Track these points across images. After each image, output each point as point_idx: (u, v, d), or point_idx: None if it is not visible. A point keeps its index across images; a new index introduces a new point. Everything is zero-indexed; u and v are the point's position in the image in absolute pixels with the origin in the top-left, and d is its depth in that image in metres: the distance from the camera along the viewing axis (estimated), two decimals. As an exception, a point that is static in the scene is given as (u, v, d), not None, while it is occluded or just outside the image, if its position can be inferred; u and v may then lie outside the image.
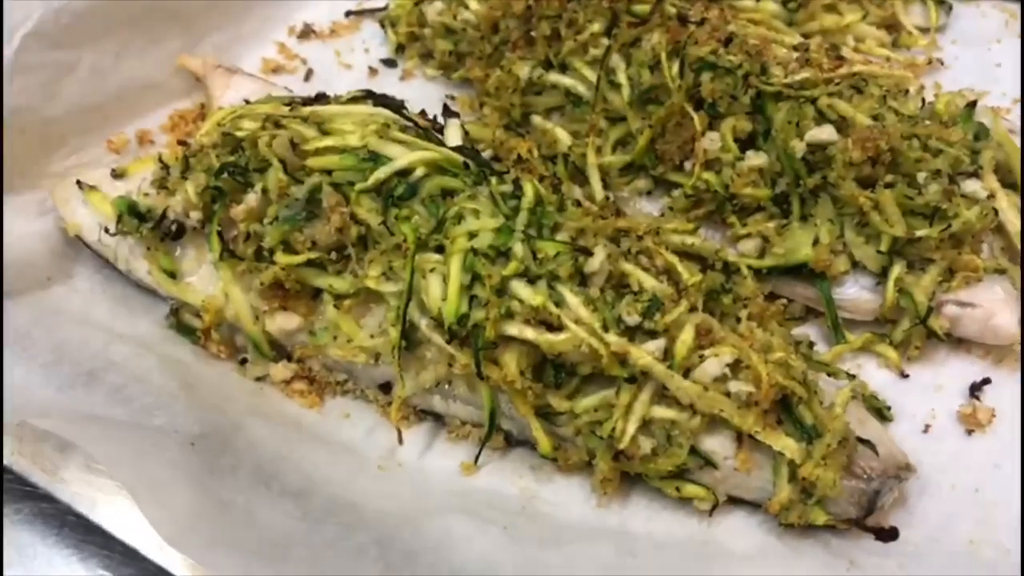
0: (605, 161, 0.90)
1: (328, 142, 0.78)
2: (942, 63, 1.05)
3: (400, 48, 1.06)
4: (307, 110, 0.82)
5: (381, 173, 0.76)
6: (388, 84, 1.03)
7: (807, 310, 0.84)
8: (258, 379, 0.78)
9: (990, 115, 0.89)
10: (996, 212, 0.83)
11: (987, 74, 1.04)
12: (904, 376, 0.80)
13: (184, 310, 0.80)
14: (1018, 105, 1.01)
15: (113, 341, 0.77)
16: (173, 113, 0.97)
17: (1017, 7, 1.12)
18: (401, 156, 0.77)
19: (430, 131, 0.82)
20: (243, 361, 0.79)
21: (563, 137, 0.92)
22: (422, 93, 1.02)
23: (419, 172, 0.77)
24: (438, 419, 0.77)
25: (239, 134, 0.79)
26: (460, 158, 0.78)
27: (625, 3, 0.95)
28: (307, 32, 1.08)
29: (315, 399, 0.77)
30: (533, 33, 0.95)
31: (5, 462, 0.71)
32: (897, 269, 0.81)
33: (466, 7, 1.02)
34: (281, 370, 0.78)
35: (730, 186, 0.84)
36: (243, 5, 1.05)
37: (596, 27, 0.93)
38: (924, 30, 1.09)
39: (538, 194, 0.76)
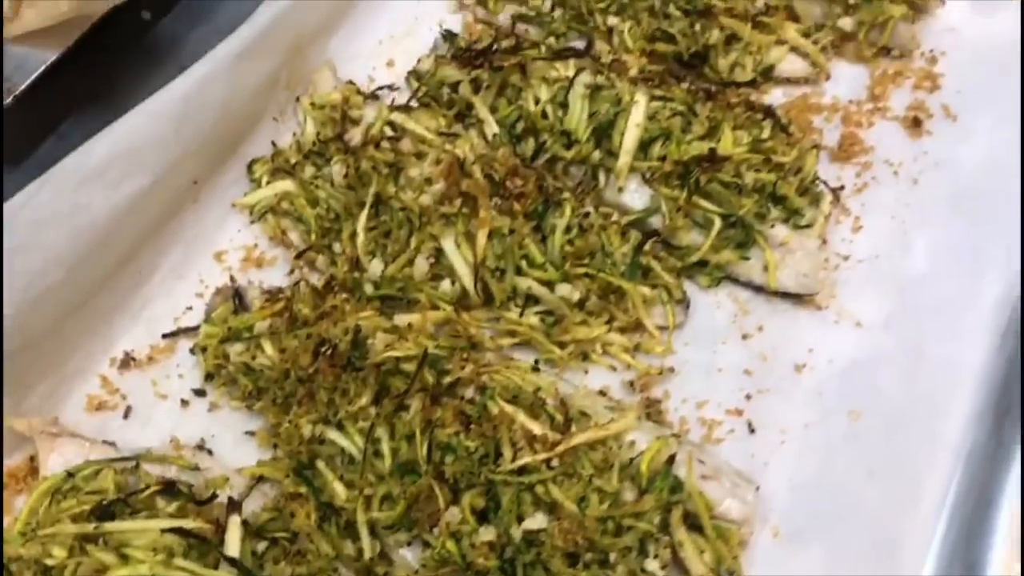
0: (372, 517, 1.08)
1: (123, 572, 0.96)
2: (672, 370, 1.24)
3: (209, 376, 1.22)
4: (110, 527, 0.99)
5: (164, 606, 0.94)
6: (198, 414, 1.20)
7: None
8: None
9: (687, 466, 1.10)
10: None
11: (709, 381, 1.24)
12: None
13: None
14: (730, 416, 1.22)
15: None
16: (6, 473, 1.12)
17: (747, 295, 1.31)
18: (181, 586, 0.95)
19: (210, 540, 1.00)
20: None
21: (340, 492, 1.10)
22: (227, 425, 1.19)
23: (197, 602, 0.95)
24: None
25: (49, 562, 0.96)
26: (233, 577, 0.97)
27: (393, 362, 1.14)
28: (127, 362, 1.22)
29: None
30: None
31: None
32: (595, 637, 1.02)
33: (262, 351, 1.18)
34: None
35: (467, 555, 1.04)
36: (64, 345, 1.18)
37: (364, 400, 1.11)
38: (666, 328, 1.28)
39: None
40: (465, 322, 1.24)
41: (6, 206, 1.12)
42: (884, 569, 1.10)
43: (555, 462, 1.06)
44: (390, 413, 1.10)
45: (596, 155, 1.34)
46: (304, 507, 1.08)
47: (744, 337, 1.28)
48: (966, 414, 1.19)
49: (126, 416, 1.19)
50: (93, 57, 1.46)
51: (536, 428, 1.09)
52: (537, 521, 1.03)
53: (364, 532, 1.07)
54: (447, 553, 1.04)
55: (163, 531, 0.98)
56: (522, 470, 1.05)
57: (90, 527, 0.99)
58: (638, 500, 1.06)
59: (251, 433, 1.18)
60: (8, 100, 1.34)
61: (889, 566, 1.10)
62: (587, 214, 1.28)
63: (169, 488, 1.03)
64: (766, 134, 1.35)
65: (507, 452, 1.06)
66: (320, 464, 1.12)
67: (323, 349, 1.14)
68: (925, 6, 1.58)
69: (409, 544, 1.09)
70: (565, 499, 1.04)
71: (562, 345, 1.25)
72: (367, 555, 1.06)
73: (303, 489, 1.10)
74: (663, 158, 1.32)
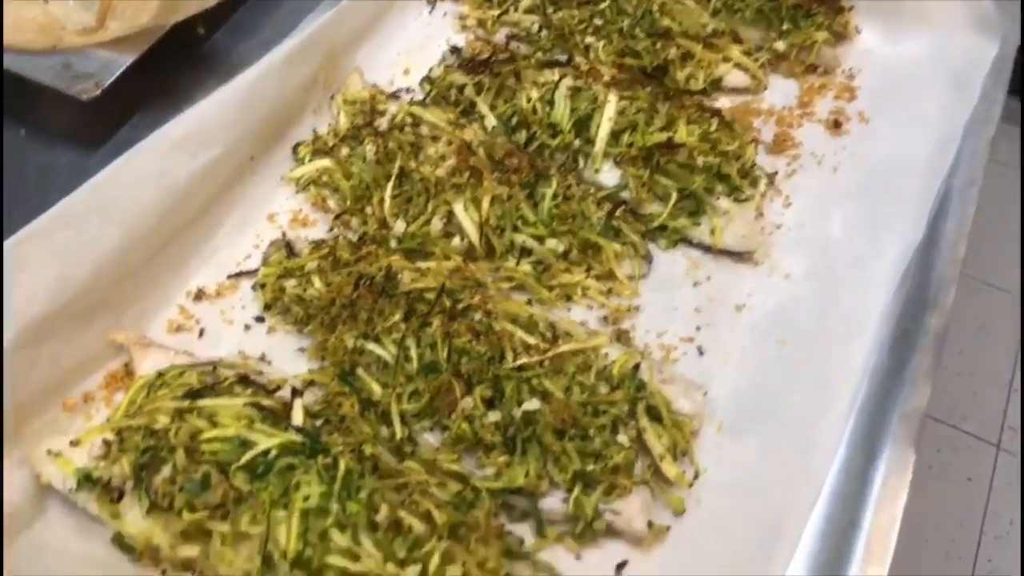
0: (402, 408, 1.37)
1: (214, 433, 1.23)
2: (639, 309, 1.55)
3: (267, 307, 1.50)
4: (202, 403, 1.27)
5: (248, 456, 1.21)
6: (259, 336, 1.47)
7: (525, 513, 1.33)
8: (176, 582, 1.24)
9: (648, 372, 1.40)
10: (638, 452, 1.34)
11: (669, 316, 1.53)
12: (578, 558, 1.30)
13: (125, 537, 1.25)
14: (684, 342, 1.52)
15: (81, 566, 1.21)
16: (107, 374, 1.40)
17: (698, 254, 1.63)
18: (261, 441, 1.23)
19: (279, 414, 1.28)
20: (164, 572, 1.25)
21: (376, 390, 1.38)
22: (282, 343, 1.47)
23: (273, 452, 1.23)
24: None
25: (157, 427, 1.24)
26: (299, 438, 1.24)
27: (418, 292, 1.43)
28: (200, 295, 1.51)
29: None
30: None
31: None
32: (576, 491, 1.30)
33: (312, 285, 1.48)
34: (189, 580, 1.23)
35: (478, 433, 1.33)
36: (149, 280, 1.46)
37: (396, 317, 1.40)
38: (633, 277, 1.59)
39: (348, 467, 1.23)
40: (472, 271, 1.54)
41: (106, 170, 1.41)
42: (803, 456, 1.38)
43: (546, 363, 1.36)
44: (417, 328, 1.39)
45: (576, 143, 1.66)
46: (348, 400, 1.36)
47: (695, 284, 1.58)
48: (871, 341, 1.48)
49: (200, 336, 1.47)
50: (159, 62, 1.77)
51: (531, 340, 1.38)
52: (533, 404, 1.31)
53: (396, 420, 1.35)
54: (462, 432, 1.33)
55: (244, 405, 1.26)
56: (521, 368, 1.35)
57: (185, 403, 1.27)
58: (611, 393, 1.35)
59: (302, 350, 1.46)
60: (97, 92, 1.63)
61: (806, 454, 1.38)
62: (570, 186, 1.59)
63: (244, 379, 1.31)
64: (714, 128, 1.68)
65: (509, 355, 1.36)
66: (360, 371, 1.40)
67: (362, 281, 1.43)
68: (845, 33, 1.94)
69: (431, 429, 1.37)
70: (555, 389, 1.33)
71: (550, 288, 1.55)
72: (398, 437, 1.34)
73: (347, 390, 1.38)
74: (631, 145, 1.64)
